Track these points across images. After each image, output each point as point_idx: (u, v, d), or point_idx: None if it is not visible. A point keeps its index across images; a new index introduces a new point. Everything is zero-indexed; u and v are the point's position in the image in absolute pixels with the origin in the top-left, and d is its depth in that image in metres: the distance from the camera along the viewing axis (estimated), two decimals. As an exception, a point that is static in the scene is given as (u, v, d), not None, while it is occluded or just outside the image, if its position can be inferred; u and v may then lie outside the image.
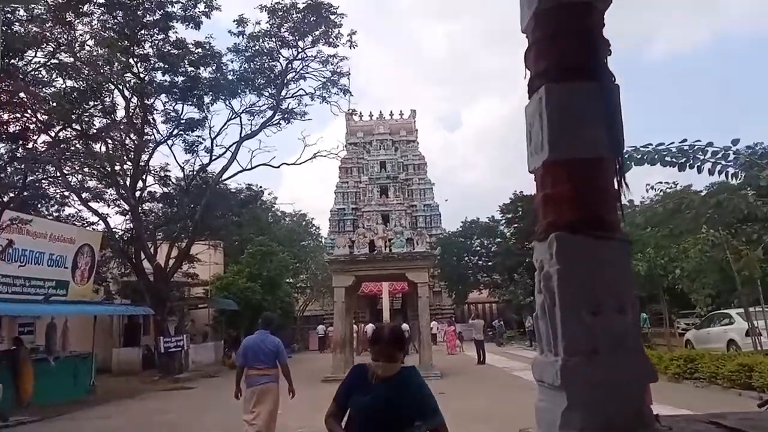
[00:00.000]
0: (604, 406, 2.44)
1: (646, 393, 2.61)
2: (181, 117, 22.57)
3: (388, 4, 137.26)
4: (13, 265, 14.25)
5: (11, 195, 20.04)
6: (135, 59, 20.79)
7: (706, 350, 15.36)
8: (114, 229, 22.27)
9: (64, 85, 18.28)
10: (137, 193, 21.99)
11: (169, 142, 22.95)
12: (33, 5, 16.34)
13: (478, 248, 45.87)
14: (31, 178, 19.85)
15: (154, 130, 22.85)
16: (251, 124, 22.82)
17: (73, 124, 20.52)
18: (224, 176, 22.80)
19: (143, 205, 23.67)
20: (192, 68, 21.38)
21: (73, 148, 20.69)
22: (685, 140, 7.23)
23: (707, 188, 24.00)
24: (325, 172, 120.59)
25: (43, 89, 19.05)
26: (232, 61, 21.89)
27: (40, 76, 19.12)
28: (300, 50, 21.69)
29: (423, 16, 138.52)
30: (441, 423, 2.94)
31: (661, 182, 13.26)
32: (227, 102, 22.66)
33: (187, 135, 22.83)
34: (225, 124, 23.06)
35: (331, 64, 21.73)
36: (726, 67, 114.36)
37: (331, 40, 21.17)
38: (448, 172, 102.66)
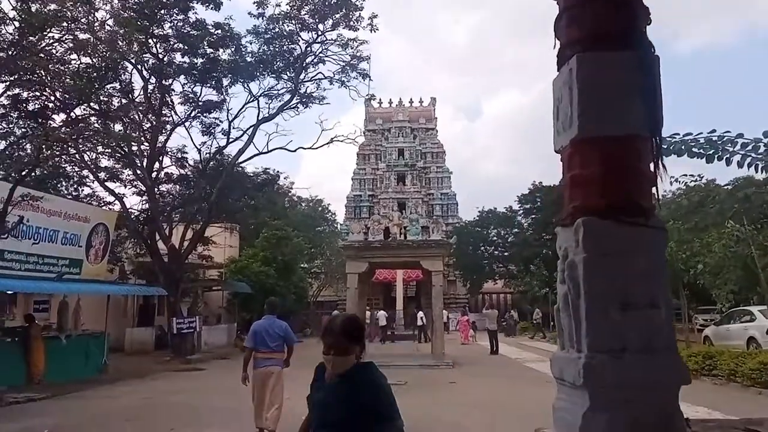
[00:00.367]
0: (631, 410, 2.21)
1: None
2: (200, 99, 22.44)
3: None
4: (27, 243, 14.26)
5: (27, 171, 20.22)
6: (154, 39, 20.63)
7: (725, 347, 14.99)
8: (130, 210, 22.29)
9: (80, 63, 18.12)
10: (153, 174, 21.95)
11: (187, 124, 22.87)
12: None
13: (495, 238, 45.50)
14: (46, 155, 19.91)
15: (172, 111, 22.77)
16: (269, 108, 22.66)
17: (91, 103, 20.53)
18: (240, 159, 22.67)
19: (159, 187, 23.65)
20: (211, 50, 21.18)
21: (91, 127, 20.72)
22: (714, 131, 6.88)
23: (732, 182, 23.42)
24: (343, 159, 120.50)
25: (61, 67, 19.02)
26: (251, 43, 21.67)
27: (58, 54, 19.10)
28: (320, 33, 21.40)
29: (445, 5, 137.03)
30: (398, 429, 2.57)
31: (686, 174, 12.86)
32: (245, 85, 22.50)
33: (205, 117, 22.71)
34: (243, 106, 22.93)
35: (351, 48, 21.42)
36: (755, 60, 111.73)
37: (351, 23, 20.81)
38: (467, 162, 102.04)
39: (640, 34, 2.48)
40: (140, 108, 21.11)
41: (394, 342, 29.85)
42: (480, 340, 28.54)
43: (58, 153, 21.17)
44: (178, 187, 24.85)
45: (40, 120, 19.56)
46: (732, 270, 14.77)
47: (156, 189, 22.80)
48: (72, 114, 20.72)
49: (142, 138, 21.61)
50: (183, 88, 22.32)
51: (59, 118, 20.81)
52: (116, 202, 21.63)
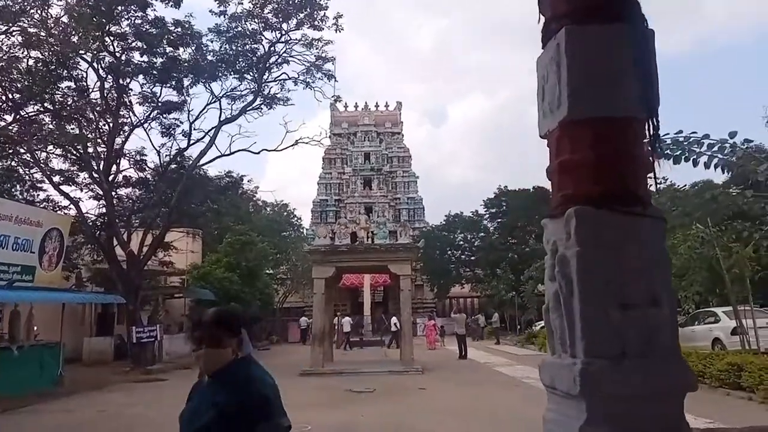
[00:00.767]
0: (633, 422, 1.97)
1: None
2: (159, 100, 21.78)
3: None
4: (-26, 249, 13.47)
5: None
6: (111, 37, 19.94)
7: (691, 348, 15.11)
8: (86, 214, 21.46)
9: (28, 57, 17.36)
10: (111, 177, 21.18)
11: (146, 125, 22.17)
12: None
13: (461, 242, 45.64)
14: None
15: (130, 112, 22.03)
16: (231, 109, 22.15)
17: (45, 103, 19.74)
18: (202, 161, 22.08)
19: (117, 190, 22.86)
20: (171, 48, 20.58)
21: (45, 128, 19.90)
22: (680, 131, 6.78)
23: (692, 186, 23.87)
24: (309, 163, 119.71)
25: (10, 64, 18.22)
26: (212, 42, 21.13)
27: (10, 52, 18.30)
28: (284, 33, 20.98)
29: (410, 10, 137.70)
30: (278, 428, 2.22)
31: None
32: (207, 85, 21.93)
33: (165, 118, 22.05)
34: (204, 108, 22.35)
35: (316, 48, 21.07)
36: (710, 69, 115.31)
37: (316, 23, 20.45)
38: (433, 167, 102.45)
39: (634, 5, 2.25)
40: (96, 108, 20.34)
41: (362, 348, 29.48)
42: (448, 345, 28.41)
43: (8, 154, 20.33)
44: (137, 190, 24.06)
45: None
46: (697, 271, 14.90)
47: (114, 193, 22.02)
48: (23, 113, 19.90)
49: (99, 140, 20.86)
50: (142, 88, 21.69)
51: (9, 117, 20.01)
52: (71, 206, 20.79)
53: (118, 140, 21.57)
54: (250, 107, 21.87)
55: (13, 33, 16.81)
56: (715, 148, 7.16)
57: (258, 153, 22.37)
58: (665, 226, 2.24)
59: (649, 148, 2.25)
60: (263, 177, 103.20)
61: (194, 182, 22.51)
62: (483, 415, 10.46)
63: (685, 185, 11.62)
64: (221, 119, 21.76)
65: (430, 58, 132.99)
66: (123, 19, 19.64)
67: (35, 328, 16.96)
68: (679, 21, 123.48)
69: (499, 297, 36.58)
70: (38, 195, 22.73)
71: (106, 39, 19.69)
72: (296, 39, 21.09)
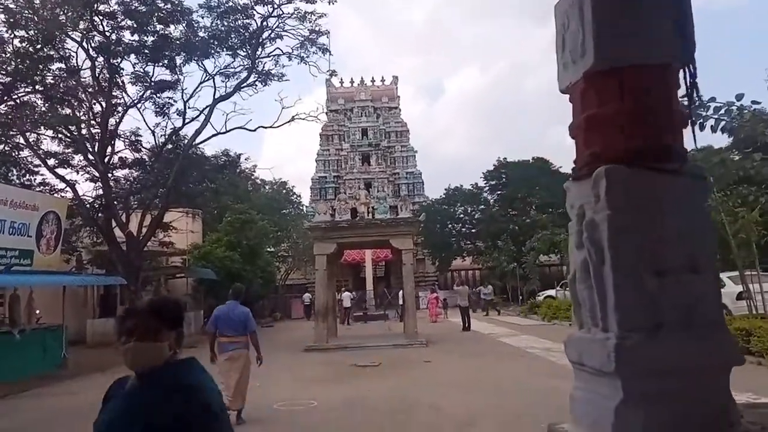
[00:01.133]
0: (674, 401, 1.78)
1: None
2: (152, 79, 21.38)
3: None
4: (-31, 234, 13.28)
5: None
6: (100, 17, 19.47)
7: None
8: (83, 197, 21.22)
9: (13, 36, 16.95)
10: (107, 159, 20.89)
11: (140, 105, 21.79)
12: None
13: (462, 215, 45.49)
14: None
15: (123, 92, 21.65)
16: (226, 87, 21.73)
17: (36, 85, 19.38)
18: (198, 140, 21.73)
19: (114, 172, 22.58)
20: (161, 26, 20.11)
21: (37, 110, 19.55)
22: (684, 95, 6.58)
23: (692, 151, 23.58)
24: (306, 140, 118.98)
25: (2, 48, 17.85)
26: (203, 17, 20.63)
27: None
28: (276, 6, 20.46)
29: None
30: None
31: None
32: (200, 63, 21.48)
33: (158, 97, 21.66)
34: (198, 86, 21.92)
35: (309, 22, 20.54)
36: (708, 33, 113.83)
37: (308, -6, 19.96)
38: (430, 142, 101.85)
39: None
40: (88, 89, 19.96)
41: (366, 322, 29.52)
42: (451, 317, 28.43)
43: (2, 139, 20.03)
44: (133, 171, 23.78)
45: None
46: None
47: (110, 174, 21.75)
48: (15, 97, 19.56)
49: (92, 121, 20.52)
50: (134, 68, 21.24)
51: (2, 103, 19.68)
52: (68, 189, 20.54)
53: (112, 121, 21.25)
54: (245, 84, 21.48)
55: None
56: (722, 111, 6.91)
57: (254, 130, 22.05)
58: (708, 186, 2.04)
59: (686, 99, 2.04)
60: (261, 156, 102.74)
61: (191, 161, 22.23)
62: (488, 386, 10.38)
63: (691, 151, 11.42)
64: (216, 97, 21.41)
65: (425, 31, 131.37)
66: (111, -3, 19.14)
67: (37, 311, 16.87)
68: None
69: (501, 268, 36.55)
70: (35, 179, 22.47)
71: (95, 18, 19.22)
72: (289, 13, 20.62)
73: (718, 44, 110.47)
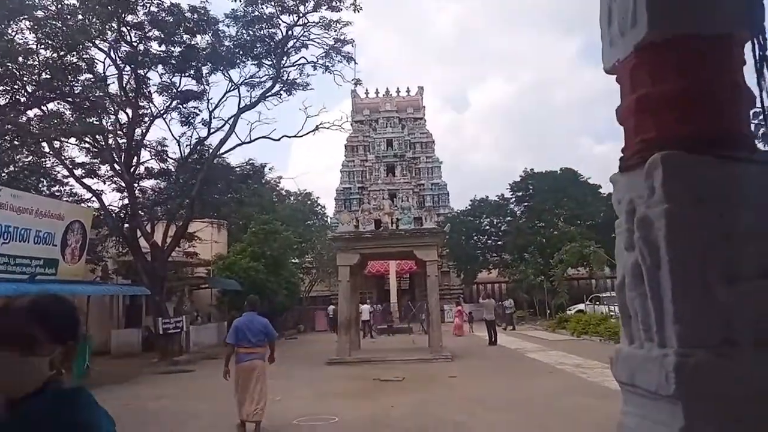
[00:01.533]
0: (747, 430, 1.48)
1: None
2: (178, 89, 21.55)
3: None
4: (-5, 242, 13.37)
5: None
6: (127, 27, 19.72)
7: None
8: (109, 207, 21.41)
9: (38, 47, 17.19)
10: (132, 169, 21.06)
11: (166, 116, 21.98)
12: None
13: (488, 227, 44.89)
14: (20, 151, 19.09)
15: (149, 103, 21.85)
16: (251, 96, 21.80)
17: (65, 96, 19.66)
18: (222, 150, 21.80)
19: (140, 182, 22.76)
20: (188, 36, 20.29)
21: (66, 120, 19.79)
22: None
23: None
24: (331, 154, 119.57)
25: (30, 57, 18.12)
26: (228, 27, 20.78)
27: (28, 45, 18.17)
28: (301, 15, 20.47)
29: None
30: None
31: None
32: (225, 72, 21.61)
33: (184, 107, 21.82)
34: (223, 96, 22.05)
35: (334, 30, 20.53)
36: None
37: (333, 3, 19.87)
38: (457, 153, 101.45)
39: None
40: (116, 99, 20.18)
41: (391, 335, 29.16)
42: (476, 331, 27.94)
43: (31, 149, 20.31)
44: (159, 181, 23.95)
45: (11, 115, 18.64)
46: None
47: (136, 184, 21.93)
48: (45, 108, 19.86)
49: (119, 131, 20.73)
50: (161, 78, 21.46)
51: (30, 112, 20.01)
52: (94, 199, 20.73)
53: (138, 131, 21.43)
54: (270, 93, 21.51)
55: (26, 26, 16.61)
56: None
57: (278, 140, 21.99)
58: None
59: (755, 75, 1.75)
60: (286, 169, 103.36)
61: (215, 171, 22.30)
62: (516, 404, 9.98)
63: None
64: (240, 107, 21.47)
65: (450, 43, 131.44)
66: (139, 7, 19.35)
67: (62, 321, 16.93)
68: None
69: (528, 282, 35.86)
70: (64, 190, 22.74)
71: (123, 29, 19.47)
72: (314, 21, 20.64)
73: None
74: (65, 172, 21.31)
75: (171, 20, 19.51)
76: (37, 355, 1.35)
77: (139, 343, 22.93)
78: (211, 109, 21.79)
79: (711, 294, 1.55)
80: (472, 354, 18.74)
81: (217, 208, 25.37)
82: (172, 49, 20.77)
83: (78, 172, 21.20)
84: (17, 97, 19.16)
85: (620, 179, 1.89)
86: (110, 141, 20.48)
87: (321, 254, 38.68)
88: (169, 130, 27.39)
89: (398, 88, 53.24)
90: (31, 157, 20.86)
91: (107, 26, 18.05)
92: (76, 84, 19.26)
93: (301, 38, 21.02)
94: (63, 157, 20.22)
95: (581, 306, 31.07)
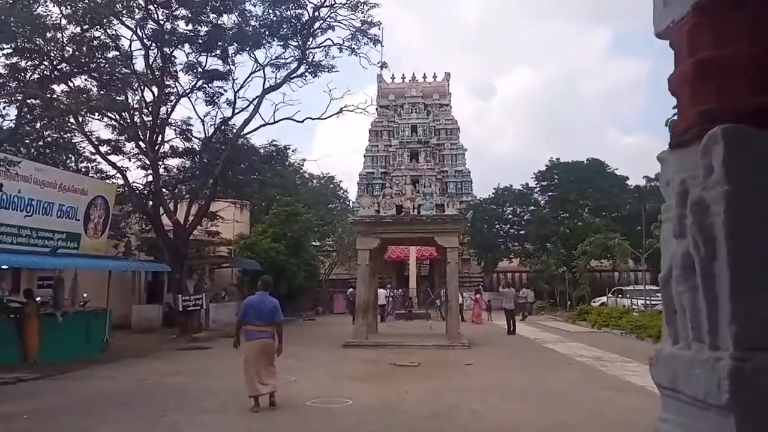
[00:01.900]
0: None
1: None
2: (204, 69, 21.49)
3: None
4: (19, 215, 13.45)
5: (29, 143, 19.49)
6: (155, 5, 19.65)
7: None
8: (133, 184, 21.53)
9: (70, 23, 17.21)
10: (157, 147, 21.12)
11: (191, 95, 21.93)
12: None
13: (510, 216, 44.44)
14: (47, 130, 19.23)
15: (175, 82, 21.84)
16: (276, 78, 21.63)
17: (93, 73, 19.71)
18: (246, 130, 21.71)
19: (164, 160, 22.85)
20: (214, 15, 20.16)
21: (92, 97, 19.87)
22: None
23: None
24: (356, 137, 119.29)
25: (59, 33, 18.17)
26: (254, 6, 20.58)
27: (53, 19, 18.22)
28: (328, -6, 20.21)
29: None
30: None
31: None
32: (251, 53, 21.45)
33: (209, 87, 21.76)
34: (248, 76, 21.89)
35: (361, 12, 20.18)
36: None
37: (361, -17, 19.57)
38: (481, 141, 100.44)
39: None
40: (142, 78, 20.19)
41: (409, 320, 29.09)
42: (495, 320, 27.71)
43: (59, 124, 20.46)
44: (183, 160, 24.00)
45: (39, 90, 18.77)
46: None
47: (161, 162, 22.01)
48: (71, 84, 19.95)
49: (144, 109, 20.76)
50: (187, 57, 21.40)
51: (59, 88, 20.13)
52: (118, 175, 20.86)
53: (164, 110, 21.45)
54: (294, 75, 21.32)
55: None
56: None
57: (302, 121, 21.83)
58: None
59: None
60: (310, 152, 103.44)
61: (238, 152, 22.26)
62: (533, 395, 9.79)
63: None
64: (265, 87, 21.33)
65: (476, 30, 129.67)
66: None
67: (84, 295, 17.14)
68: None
69: (549, 272, 35.45)
70: (92, 166, 22.89)
71: (150, 7, 19.41)
72: (341, 2, 20.31)
73: None
74: (91, 149, 21.46)
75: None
76: None
77: (160, 318, 23.15)
78: (236, 90, 21.70)
79: (776, 290, 1.34)
80: (490, 342, 18.56)
81: (239, 189, 25.40)
82: (199, 28, 20.66)
83: (103, 149, 21.32)
84: (45, 72, 19.28)
85: (670, 157, 1.67)
86: (135, 119, 20.52)
87: (342, 238, 38.65)
88: (194, 109, 27.49)
89: (424, 74, 52.69)
90: (58, 132, 21.02)
91: (134, 2, 17.96)
92: (103, 60, 19.28)
93: (328, 19, 20.73)
94: (89, 134, 20.30)
95: (604, 299, 30.66)
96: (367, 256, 17.87)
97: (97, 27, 17.51)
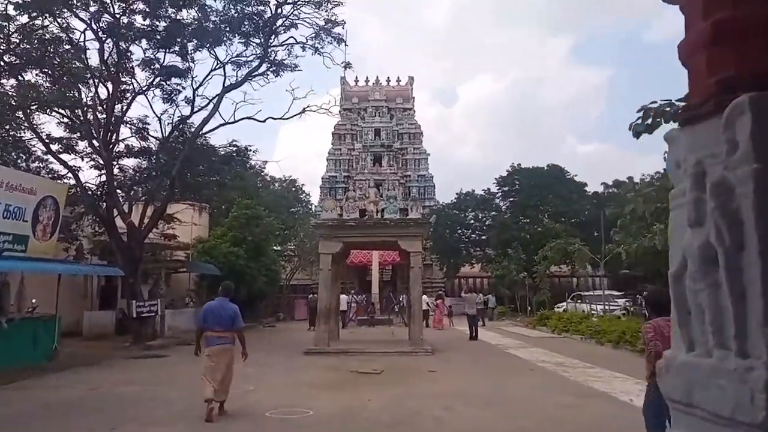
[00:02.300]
0: None
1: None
2: (162, 65, 20.81)
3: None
4: (-40, 215, 12.68)
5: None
6: (110, -3, 18.95)
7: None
8: (86, 184, 20.66)
9: (18, 12, 16.45)
10: (111, 146, 20.32)
11: (148, 92, 21.21)
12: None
13: (472, 221, 44.70)
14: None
15: (131, 78, 21.08)
16: (236, 76, 21.10)
17: (44, 68, 18.89)
18: (205, 129, 21.08)
19: (119, 160, 22.00)
20: (173, 9, 19.54)
21: (43, 92, 19.01)
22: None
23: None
24: (318, 141, 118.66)
25: (7, 23, 17.35)
26: (215, 0, 20.09)
27: (2, 11, 17.37)
28: (290, -8, 19.84)
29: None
30: None
31: None
32: (211, 50, 20.88)
33: (167, 84, 21.08)
34: (208, 74, 21.28)
35: (325, 10, 19.90)
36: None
37: (324, -19, 19.29)
38: (444, 147, 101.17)
39: None
40: (96, 73, 19.41)
41: (372, 326, 28.71)
42: (457, 325, 27.68)
43: (7, 121, 19.52)
44: (139, 160, 23.19)
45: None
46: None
47: (115, 162, 21.19)
48: (22, 78, 19.06)
49: (98, 106, 19.97)
50: (144, 53, 20.69)
51: (8, 83, 19.22)
52: (70, 175, 19.97)
53: (119, 107, 20.67)
54: (256, 73, 20.84)
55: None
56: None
57: (264, 121, 21.34)
58: None
59: None
60: (272, 155, 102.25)
61: (197, 152, 21.60)
62: (497, 401, 9.64)
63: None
64: (225, 86, 20.78)
65: (440, 38, 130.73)
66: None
67: (33, 300, 16.31)
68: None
69: (510, 277, 35.65)
70: (44, 166, 21.92)
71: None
72: (304, 0, 19.98)
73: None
74: (42, 148, 20.53)
75: (156, -8, 18.79)
76: None
77: (113, 325, 22.27)
78: (195, 87, 21.05)
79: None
80: (453, 348, 18.42)
81: (198, 190, 24.69)
82: (157, 23, 20.03)
83: (55, 147, 20.41)
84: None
85: (681, 135, 1.46)
86: (89, 116, 19.71)
87: (303, 242, 38.15)
88: (151, 107, 26.54)
89: (388, 77, 52.67)
90: (6, 130, 20.05)
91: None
92: (54, 54, 18.48)
93: (291, 17, 20.37)
94: (39, 131, 19.40)
95: (564, 304, 31.00)
96: (329, 260, 17.53)
97: (46, 15, 16.71)
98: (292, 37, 21.06)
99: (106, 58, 19.66)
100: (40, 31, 17.53)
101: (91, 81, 19.55)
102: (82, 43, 19.38)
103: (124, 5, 19.33)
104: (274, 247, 35.16)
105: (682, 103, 5.08)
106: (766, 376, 1.13)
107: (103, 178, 20.88)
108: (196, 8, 19.63)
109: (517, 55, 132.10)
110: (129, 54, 20.39)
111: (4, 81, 19.18)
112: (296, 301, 38.08)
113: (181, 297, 27.95)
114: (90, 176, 27.96)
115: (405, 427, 7.79)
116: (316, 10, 19.90)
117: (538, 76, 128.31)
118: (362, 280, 42.30)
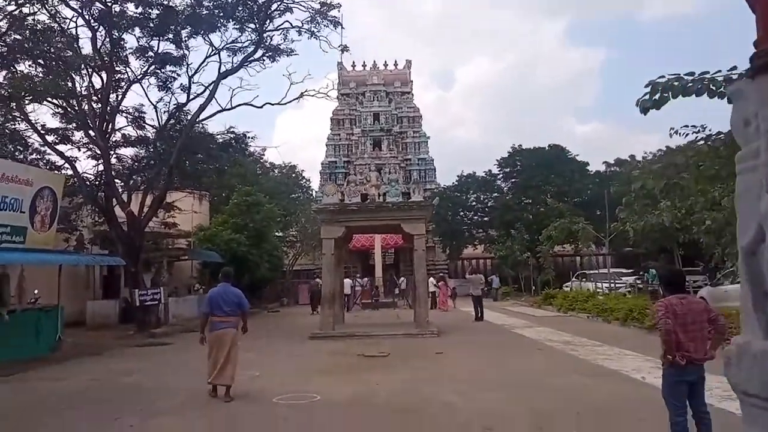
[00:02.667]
0: None
1: None
2: (156, 53, 20.49)
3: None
4: (-44, 208, 12.48)
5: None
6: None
7: (723, 308, 14.05)
8: (84, 174, 20.47)
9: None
10: (108, 136, 20.08)
11: (143, 81, 20.92)
12: None
13: (474, 203, 44.57)
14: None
15: (125, 67, 20.79)
16: (232, 62, 20.80)
17: (37, 59, 18.61)
18: (202, 116, 20.81)
19: (116, 149, 21.79)
20: (166, -3, 19.22)
21: (38, 83, 18.74)
22: (734, 68, 5.05)
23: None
24: (317, 126, 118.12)
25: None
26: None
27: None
28: (286, -25, 19.46)
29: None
30: None
31: (687, 125, 11.45)
32: (206, 37, 20.55)
33: (162, 72, 20.78)
34: (204, 61, 20.99)
35: (320, -7, 19.54)
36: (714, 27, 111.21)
37: (319, -36, 18.92)
38: (443, 130, 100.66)
39: None
40: (90, 62, 19.11)
41: (376, 309, 28.67)
42: (460, 307, 27.63)
43: (2, 113, 19.30)
44: (137, 149, 22.97)
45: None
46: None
47: (112, 152, 20.98)
48: (15, 69, 18.79)
49: (93, 96, 19.70)
50: (138, 41, 20.37)
51: (0, 74, 18.93)
52: (67, 165, 19.77)
53: (114, 96, 20.41)
54: (252, 59, 20.54)
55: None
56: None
57: (261, 107, 21.05)
58: None
59: None
60: (271, 141, 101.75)
61: (194, 139, 21.37)
62: (507, 382, 9.50)
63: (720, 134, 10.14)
64: (221, 72, 20.48)
65: (436, 21, 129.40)
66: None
67: (35, 291, 16.20)
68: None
69: (514, 258, 35.61)
70: (41, 158, 21.70)
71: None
72: (299, -17, 19.60)
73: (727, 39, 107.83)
74: (39, 139, 20.30)
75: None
76: None
77: (116, 314, 22.23)
78: (190, 75, 20.78)
79: None
80: (459, 329, 18.34)
81: (197, 178, 24.52)
82: (150, 10, 19.71)
83: (51, 138, 20.20)
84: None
85: (751, 88, 1.27)
86: (84, 106, 19.46)
87: (305, 227, 38.06)
88: (146, 95, 26.06)
89: (386, 62, 52.16)
90: (2, 120, 19.82)
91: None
92: (46, 44, 18.19)
93: (285, 1, 20.00)
94: (34, 122, 19.16)
95: (569, 283, 30.99)
96: (331, 245, 17.39)
97: (35, 2, 16.39)
98: (287, 21, 20.75)
99: (99, 47, 19.38)
100: (30, 20, 17.16)
101: (84, 70, 19.28)
102: (73, 32, 19.09)
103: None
104: (276, 233, 35.07)
105: (694, 76, 4.74)
106: None
107: (101, 168, 20.70)
108: (188, -8, 19.25)
109: (513, 37, 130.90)
110: (122, 42, 20.13)
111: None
112: (300, 286, 38.10)
113: (185, 285, 27.92)
114: (87, 166, 27.71)
115: (416, 414, 7.65)
116: (312, -8, 19.53)
117: (534, 58, 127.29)
118: (365, 264, 42.28)
